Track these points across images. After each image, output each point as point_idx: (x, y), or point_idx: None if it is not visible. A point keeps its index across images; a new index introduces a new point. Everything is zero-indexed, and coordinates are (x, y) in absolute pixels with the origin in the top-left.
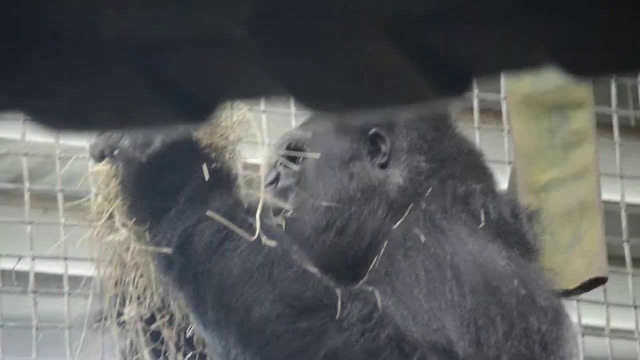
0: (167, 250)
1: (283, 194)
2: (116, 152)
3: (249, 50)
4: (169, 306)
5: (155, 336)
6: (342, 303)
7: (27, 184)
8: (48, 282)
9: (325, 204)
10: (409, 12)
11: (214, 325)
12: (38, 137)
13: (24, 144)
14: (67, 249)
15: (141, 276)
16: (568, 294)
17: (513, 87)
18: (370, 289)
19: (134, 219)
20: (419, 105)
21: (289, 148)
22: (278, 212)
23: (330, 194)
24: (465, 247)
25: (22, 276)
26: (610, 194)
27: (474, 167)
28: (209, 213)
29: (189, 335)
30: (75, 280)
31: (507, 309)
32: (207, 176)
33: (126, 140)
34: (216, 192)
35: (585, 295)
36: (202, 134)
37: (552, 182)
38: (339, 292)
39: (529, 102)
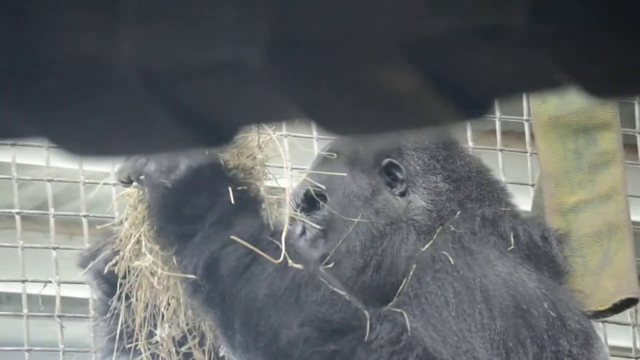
0: (192, 276)
1: (313, 243)
2: (142, 177)
3: (267, 75)
4: (199, 327)
5: (186, 357)
6: (371, 325)
7: (51, 210)
8: (74, 306)
9: (360, 245)
10: (428, 35)
11: (242, 348)
12: (62, 164)
13: (48, 170)
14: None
15: (171, 298)
16: (599, 315)
17: (538, 109)
18: (399, 310)
19: (160, 244)
20: (440, 128)
21: (305, 196)
22: (319, 262)
23: (362, 234)
24: (495, 270)
25: (48, 301)
26: (635, 215)
27: (488, 185)
28: (234, 237)
29: (220, 355)
30: None
31: (537, 332)
32: (232, 199)
33: (151, 165)
34: (242, 214)
35: (611, 316)
36: (228, 155)
37: (579, 204)
38: (367, 313)
39: (555, 123)
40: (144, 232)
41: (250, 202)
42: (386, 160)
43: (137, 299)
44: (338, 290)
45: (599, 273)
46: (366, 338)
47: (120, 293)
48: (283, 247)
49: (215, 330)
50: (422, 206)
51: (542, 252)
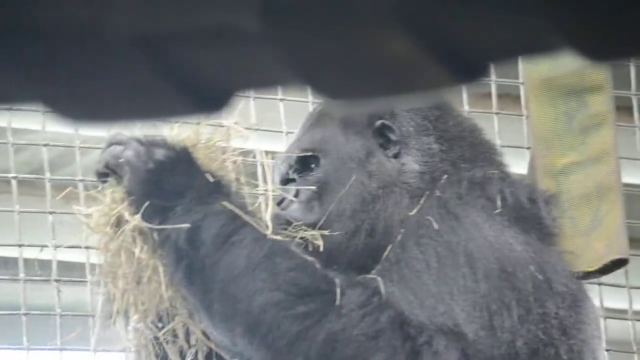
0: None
1: (307, 205)
2: (121, 160)
3: (262, 39)
4: (175, 316)
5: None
6: (341, 290)
7: (47, 174)
8: (70, 270)
9: (350, 208)
10: None
11: (219, 317)
12: (58, 128)
13: (44, 135)
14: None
15: (149, 280)
16: (589, 275)
17: (530, 71)
18: (372, 276)
19: (141, 219)
20: (436, 92)
21: (299, 157)
22: (311, 226)
23: (353, 197)
24: (481, 233)
25: (45, 265)
26: (630, 177)
27: (480, 145)
28: (224, 203)
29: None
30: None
31: (522, 294)
32: (210, 180)
33: (129, 151)
34: (220, 194)
35: (606, 278)
36: (196, 151)
37: (570, 166)
38: (337, 280)
39: (547, 86)
40: (124, 209)
41: (226, 186)
42: (379, 122)
43: (117, 279)
44: (309, 258)
45: (589, 234)
46: (337, 302)
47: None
48: (268, 217)
49: (194, 305)
50: (415, 169)
51: (530, 214)
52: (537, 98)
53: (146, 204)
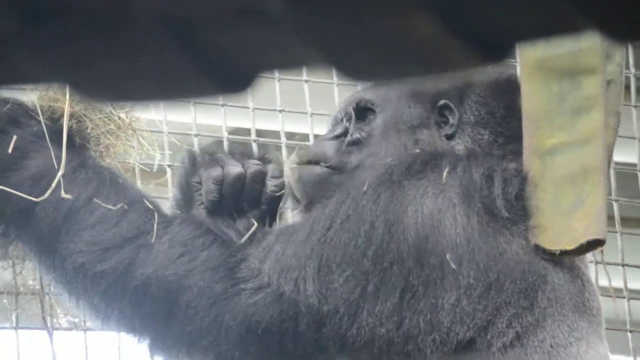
0: None
1: (349, 148)
2: None
3: (287, 20)
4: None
5: None
6: (167, 226)
7: None
8: None
9: (382, 162)
10: None
11: (47, 274)
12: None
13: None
14: None
15: None
16: (566, 254)
17: (526, 51)
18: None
19: None
20: (459, 72)
21: (357, 106)
22: (338, 169)
23: (391, 155)
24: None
25: None
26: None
27: None
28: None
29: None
30: None
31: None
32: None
33: None
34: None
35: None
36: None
37: (558, 146)
38: (157, 218)
39: (541, 66)
40: None
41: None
42: (442, 101)
43: None
44: (114, 207)
45: (570, 214)
46: (153, 240)
47: None
48: (56, 182)
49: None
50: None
51: (479, 189)
52: (530, 78)
53: None
